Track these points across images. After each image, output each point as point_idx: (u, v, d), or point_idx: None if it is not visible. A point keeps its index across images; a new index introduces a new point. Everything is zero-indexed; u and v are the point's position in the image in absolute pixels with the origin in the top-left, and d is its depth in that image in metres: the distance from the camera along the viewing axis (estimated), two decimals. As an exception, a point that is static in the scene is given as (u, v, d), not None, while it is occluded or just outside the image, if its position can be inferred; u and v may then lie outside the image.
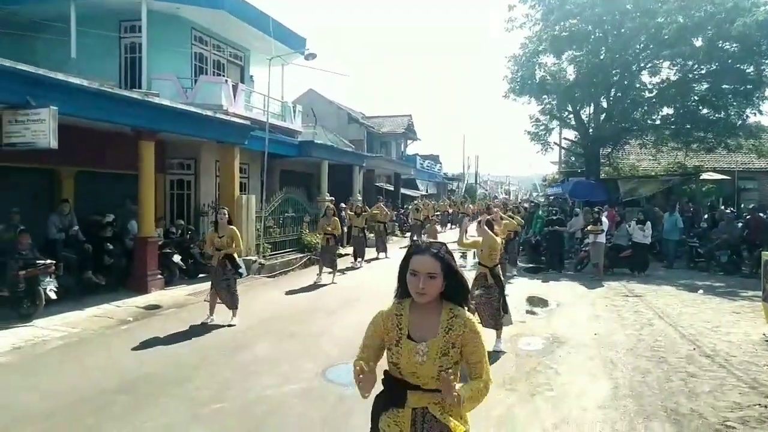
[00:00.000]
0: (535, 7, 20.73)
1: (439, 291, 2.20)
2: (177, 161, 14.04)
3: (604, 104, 21.28)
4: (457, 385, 2.11)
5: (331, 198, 18.04)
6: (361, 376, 2.12)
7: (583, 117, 22.34)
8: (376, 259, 16.15)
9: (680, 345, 7.18)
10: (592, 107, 21.95)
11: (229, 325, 7.87)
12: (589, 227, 13.49)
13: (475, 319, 2.27)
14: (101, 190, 11.47)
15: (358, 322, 8.19)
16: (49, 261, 8.20)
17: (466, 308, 2.29)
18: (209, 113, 11.80)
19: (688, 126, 19.92)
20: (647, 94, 20.30)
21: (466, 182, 57.32)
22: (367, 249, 15.61)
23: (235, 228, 8.15)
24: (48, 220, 9.74)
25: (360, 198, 21.38)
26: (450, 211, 31.39)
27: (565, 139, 26.38)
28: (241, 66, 17.97)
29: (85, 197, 11.08)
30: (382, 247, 16.74)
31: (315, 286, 11.43)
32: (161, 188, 13.09)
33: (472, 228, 10.23)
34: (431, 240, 2.33)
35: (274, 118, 16.23)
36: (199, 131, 11.93)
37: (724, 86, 18.94)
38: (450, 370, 2.14)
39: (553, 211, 17.63)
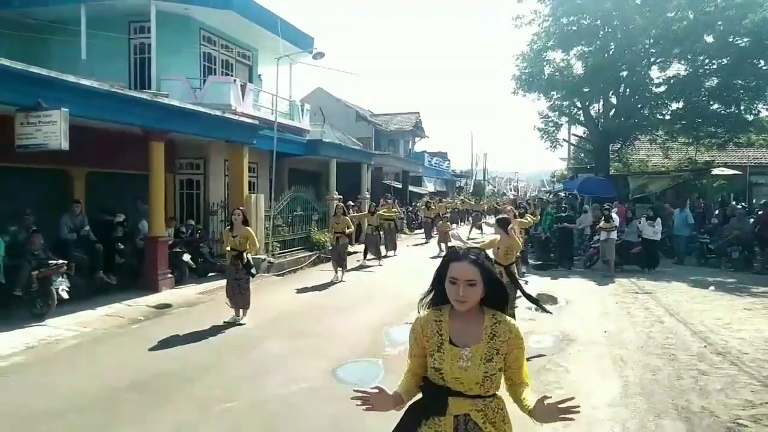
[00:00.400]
0: (543, 1, 20.62)
1: (479, 298, 2.15)
2: (186, 161, 14.12)
3: (613, 100, 21.15)
4: (531, 398, 2.12)
5: (339, 196, 18.09)
6: (377, 392, 2.11)
7: (592, 113, 22.22)
8: (386, 257, 16.17)
9: (691, 342, 7.14)
10: (601, 103, 21.83)
11: (240, 324, 7.93)
12: (601, 224, 13.41)
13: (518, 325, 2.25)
14: (112, 191, 11.56)
15: (367, 320, 8.28)
16: (61, 261, 8.28)
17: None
18: (218, 113, 11.86)
19: (699, 120, 19.74)
20: (656, 90, 20.14)
21: (474, 179, 57.18)
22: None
23: (250, 229, 8.19)
24: (60, 221, 9.83)
25: (368, 196, 21.41)
26: (461, 208, 31.33)
27: (574, 135, 26.26)
28: (249, 65, 18.03)
29: (96, 198, 11.18)
30: (391, 245, 16.77)
31: (324, 285, 11.46)
32: (171, 188, 13.19)
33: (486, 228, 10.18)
34: (469, 246, 2.28)
35: (282, 117, 16.28)
36: (208, 131, 12.00)
37: (735, 81, 18.75)
38: (494, 377, 2.12)
39: (563, 208, 17.56)
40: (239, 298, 8.11)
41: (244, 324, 7.96)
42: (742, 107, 19.29)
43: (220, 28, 15.84)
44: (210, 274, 11.80)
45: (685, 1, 17.85)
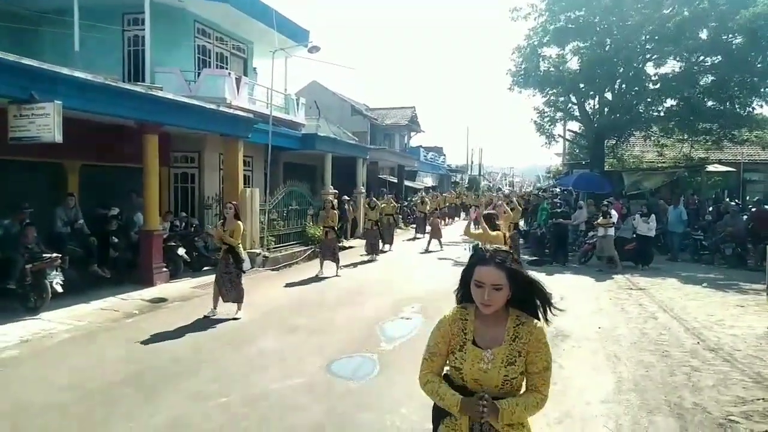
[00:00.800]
0: None
1: (504, 301, 2.12)
2: (181, 154, 14.06)
3: (609, 96, 21.16)
4: (517, 403, 2.07)
5: (334, 191, 18.05)
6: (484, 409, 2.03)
7: (587, 109, 22.24)
8: (383, 251, 16.17)
9: (684, 339, 7.19)
10: (596, 99, 21.85)
11: (234, 319, 7.92)
12: (600, 220, 13.45)
13: (545, 327, 2.19)
14: (106, 184, 11.49)
15: (362, 315, 8.29)
16: (55, 254, 8.25)
17: (543, 319, 2.20)
18: (213, 106, 11.81)
19: (691, 118, 19.79)
20: (651, 86, 20.18)
21: (469, 174, 57.26)
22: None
23: (240, 223, 8.17)
24: (53, 214, 9.79)
25: (363, 191, 21.39)
26: (458, 203, 31.36)
27: (569, 131, 26.29)
28: (244, 59, 17.94)
29: (91, 191, 11.11)
30: (388, 240, 16.77)
31: (319, 279, 11.47)
32: (165, 181, 13.13)
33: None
34: (497, 247, 2.23)
35: (277, 111, 16.22)
36: (203, 124, 11.95)
37: (730, 76, 18.78)
38: (515, 381, 2.09)
39: (558, 204, 17.59)
40: (231, 292, 8.10)
41: (239, 318, 7.94)
42: (736, 103, 19.34)
43: (214, 20, 15.74)
44: (205, 268, 11.76)
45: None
